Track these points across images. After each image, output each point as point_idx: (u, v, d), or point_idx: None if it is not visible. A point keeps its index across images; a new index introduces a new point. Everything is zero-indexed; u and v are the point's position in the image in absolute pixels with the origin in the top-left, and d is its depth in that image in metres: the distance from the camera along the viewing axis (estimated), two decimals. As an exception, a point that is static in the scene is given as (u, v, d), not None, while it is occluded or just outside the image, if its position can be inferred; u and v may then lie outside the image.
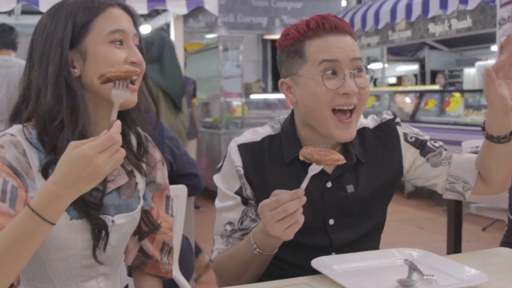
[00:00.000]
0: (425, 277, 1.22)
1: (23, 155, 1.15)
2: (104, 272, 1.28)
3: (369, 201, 1.45)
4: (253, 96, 8.35)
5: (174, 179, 2.43)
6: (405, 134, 1.51)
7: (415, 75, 11.98)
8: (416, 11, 6.84)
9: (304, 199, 1.17)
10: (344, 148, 1.44)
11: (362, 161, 1.44)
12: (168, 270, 1.41)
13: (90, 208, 1.19)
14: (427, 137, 1.53)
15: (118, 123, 1.01)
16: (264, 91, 9.36)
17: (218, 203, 1.46)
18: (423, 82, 11.52)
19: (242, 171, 1.41)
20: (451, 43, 10.61)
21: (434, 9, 6.56)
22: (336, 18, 1.38)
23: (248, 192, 1.42)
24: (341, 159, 1.18)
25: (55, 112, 1.16)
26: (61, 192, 0.98)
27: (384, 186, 1.48)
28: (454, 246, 3.11)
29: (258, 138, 1.45)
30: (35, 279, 1.22)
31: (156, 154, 1.40)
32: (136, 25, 1.25)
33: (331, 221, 1.42)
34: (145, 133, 1.37)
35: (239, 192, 1.42)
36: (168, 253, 1.42)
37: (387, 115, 1.53)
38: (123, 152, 1.00)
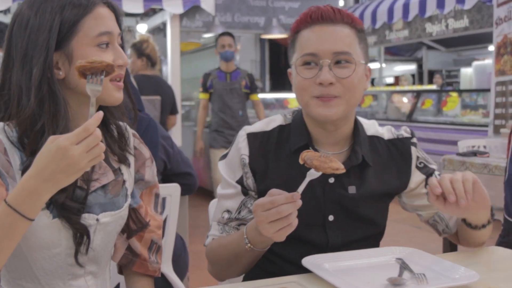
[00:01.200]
0: (416, 276, 1.21)
1: (4, 154, 1.12)
2: (92, 270, 1.27)
3: (368, 205, 1.44)
4: (250, 96, 8.33)
5: (168, 178, 2.42)
6: (417, 158, 1.50)
7: (413, 75, 11.99)
8: (413, 10, 6.85)
9: (300, 203, 1.15)
10: (352, 148, 1.43)
11: (369, 163, 1.43)
12: (156, 269, 1.39)
13: (70, 212, 1.16)
14: (434, 166, 1.52)
15: (98, 115, 0.97)
16: (262, 90, 9.35)
17: (219, 189, 1.47)
18: (421, 82, 11.52)
19: (247, 160, 1.41)
20: (448, 43, 10.62)
21: (431, 9, 6.57)
22: (327, 8, 1.38)
23: (249, 181, 1.42)
24: (340, 169, 1.16)
25: (36, 116, 1.13)
26: (38, 187, 0.96)
27: (385, 196, 1.48)
28: (451, 245, 3.10)
29: (269, 128, 1.46)
30: (22, 278, 1.21)
31: (144, 151, 1.39)
32: (118, 22, 1.22)
33: (331, 217, 1.41)
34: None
35: (240, 181, 1.43)
36: (156, 251, 1.40)
37: (405, 132, 1.51)
38: (102, 146, 0.97)
